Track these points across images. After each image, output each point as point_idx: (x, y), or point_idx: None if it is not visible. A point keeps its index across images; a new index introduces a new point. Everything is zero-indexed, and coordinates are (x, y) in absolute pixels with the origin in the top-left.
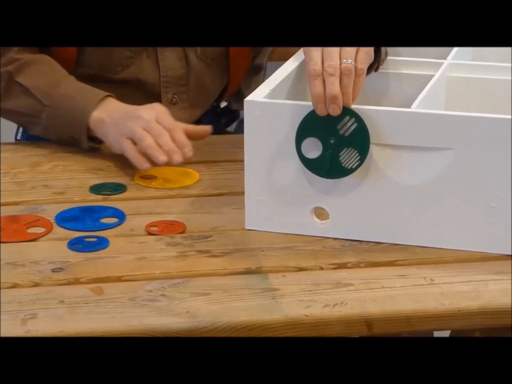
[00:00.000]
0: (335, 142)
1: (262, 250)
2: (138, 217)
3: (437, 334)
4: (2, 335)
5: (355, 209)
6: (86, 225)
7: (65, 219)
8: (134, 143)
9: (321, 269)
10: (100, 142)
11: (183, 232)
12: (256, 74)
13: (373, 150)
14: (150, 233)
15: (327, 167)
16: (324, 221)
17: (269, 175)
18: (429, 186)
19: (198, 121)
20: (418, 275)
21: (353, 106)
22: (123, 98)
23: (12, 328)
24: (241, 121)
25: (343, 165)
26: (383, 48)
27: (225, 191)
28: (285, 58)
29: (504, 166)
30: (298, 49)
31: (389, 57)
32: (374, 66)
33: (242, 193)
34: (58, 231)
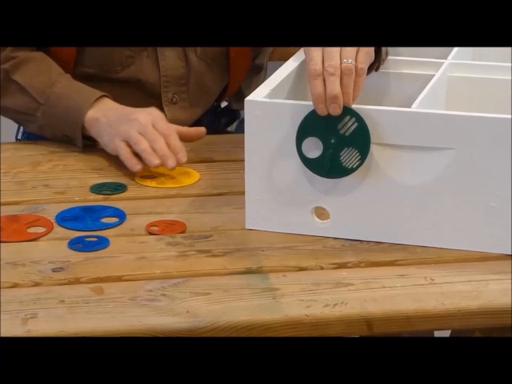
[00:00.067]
0: (336, 142)
1: (263, 250)
2: (139, 217)
3: (437, 333)
4: (2, 335)
5: (355, 209)
6: (87, 225)
7: (65, 219)
8: (128, 144)
9: (322, 268)
10: (94, 141)
11: (183, 231)
12: (256, 74)
13: (374, 149)
14: (151, 233)
15: (328, 166)
16: (324, 220)
17: (270, 174)
18: (429, 186)
19: (198, 121)
20: (418, 275)
21: (354, 106)
22: (123, 98)
23: (12, 328)
24: (242, 121)
25: (344, 164)
26: (383, 48)
27: (225, 190)
28: (285, 58)
29: (505, 166)
30: (299, 49)
31: (389, 57)
32: (374, 66)
33: (243, 193)
34: (59, 230)
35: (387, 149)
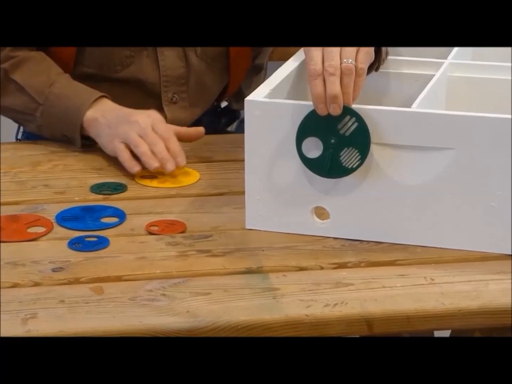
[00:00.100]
0: (336, 142)
1: (263, 250)
2: (139, 216)
3: (437, 333)
4: (2, 335)
5: (355, 209)
6: (87, 224)
7: (65, 219)
8: (127, 146)
9: (322, 268)
10: (93, 141)
11: (183, 231)
12: (256, 74)
13: (374, 149)
14: (151, 233)
15: (328, 166)
16: (324, 220)
17: (270, 174)
18: (429, 186)
19: (198, 121)
20: (418, 275)
21: (354, 106)
22: (123, 98)
23: (12, 328)
24: (242, 121)
25: (344, 164)
26: (383, 48)
27: (225, 190)
28: (285, 58)
29: (505, 166)
30: (299, 49)
31: (389, 57)
32: (374, 66)
33: (243, 192)
34: (59, 230)
35: (387, 149)
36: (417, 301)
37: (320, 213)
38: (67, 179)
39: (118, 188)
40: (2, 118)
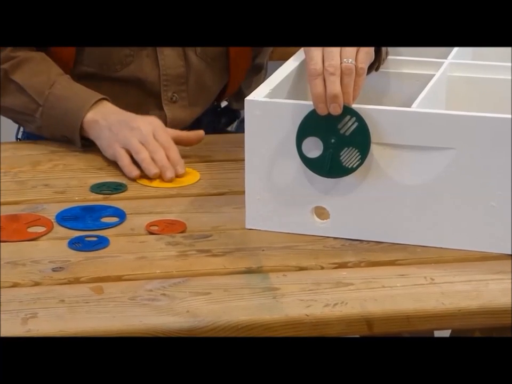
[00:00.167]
0: (336, 142)
1: (263, 250)
2: (139, 216)
3: (437, 333)
4: (2, 335)
5: (355, 208)
6: (87, 224)
7: (65, 218)
8: (127, 151)
9: (322, 268)
10: (93, 142)
11: (183, 231)
12: (256, 74)
13: (374, 149)
14: (151, 233)
15: (328, 166)
16: (324, 220)
17: (270, 174)
18: (429, 186)
19: (198, 121)
20: (418, 274)
21: (354, 106)
22: (123, 97)
23: (12, 328)
24: (242, 121)
25: (344, 164)
26: (383, 48)
27: (225, 190)
28: (285, 58)
29: (505, 166)
30: (299, 49)
31: (389, 57)
32: (374, 65)
33: (243, 192)
34: (59, 230)
35: (387, 149)
36: (417, 300)
37: (320, 212)
38: (67, 179)
39: (118, 188)
40: (2, 118)
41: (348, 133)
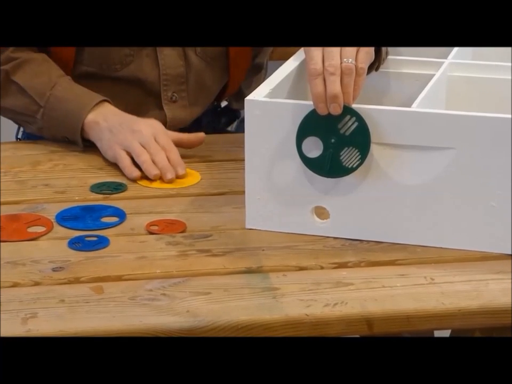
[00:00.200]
0: (336, 141)
1: (263, 250)
2: (139, 216)
3: (437, 333)
4: (2, 335)
5: (355, 208)
6: (87, 224)
7: (65, 218)
8: (128, 153)
9: (322, 268)
10: (93, 144)
11: (183, 231)
12: (256, 74)
13: (374, 149)
14: (151, 233)
15: (328, 166)
16: (324, 220)
17: (270, 174)
18: (429, 186)
19: (198, 121)
20: (418, 274)
21: (354, 106)
22: (123, 97)
23: (12, 328)
24: (242, 121)
25: (344, 164)
26: (383, 48)
27: (225, 190)
28: (285, 58)
29: (505, 166)
30: (299, 49)
31: (389, 57)
32: (374, 65)
33: (243, 192)
34: (59, 230)
35: (387, 149)
36: (417, 300)
37: (320, 212)
38: (67, 179)
39: (118, 188)
40: (3, 118)
41: (348, 133)
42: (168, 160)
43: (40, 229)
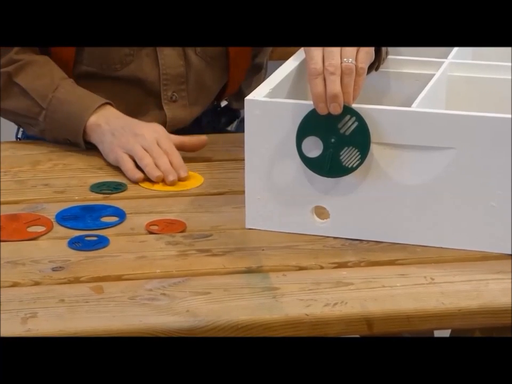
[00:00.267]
0: (336, 141)
1: (263, 250)
2: (139, 216)
3: (437, 333)
4: (2, 334)
5: (355, 208)
6: (87, 224)
7: (65, 218)
8: (130, 157)
9: (322, 268)
10: (95, 146)
11: (183, 231)
12: (256, 74)
13: (374, 149)
14: (151, 232)
15: (328, 166)
16: (324, 220)
17: (270, 174)
18: (429, 186)
19: (198, 120)
20: (418, 274)
21: (354, 105)
22: (123, 96)
23: (12, 327)
24: (242, 121)
25: (344, 164)
26: (383, 48)
27: (225, 190)
28: (285, 58)
29: (505, 166)
30: (299, 49)
31: (389, 57)
32: (374, 65)
33: (243, 192)
34: (59, 230)
35: (387, 149)
36: (417, 300)
37: (320, 212)
38: (67, 178)
39: (118, 187)
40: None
41: (348, 133)
42: (171, 164)
43: (40, 229)
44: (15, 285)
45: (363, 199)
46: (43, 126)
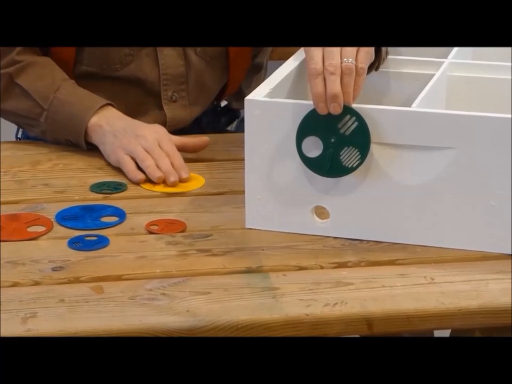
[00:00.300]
0: (336, 141)
1: (263, 249)
2: (139, 216)
3: (437, 333)
4: (2, 334)
5: (355, 208)
6: (86, 224)
7: (65, 218)
8: (132, 158)
9: (322, 268)
10: (96, 147)
11: (183, 231)
12: (256, 73)
13: (374, 149)
14: (150, 232)
15: (328, 166)
16: (324, 220)
17: (270, 174)
18: (429, 186)
19: (198, 120)
20: (418, 274)
21: (354, 105)
22: (123, 96)
23: (12, 327)
24: (242, 120)
25: (344, 164)
26: (383, 48)
27: (225, 190)
28: (285, 58)
29: (505, 165)
30: (299, 49)
31: (389, 56)
32: (374, 65)
33: (243, 192)
34: (59, 230)
35: (387, 149)
36: (417, 300)
37: (320, 212)
38: (67, 178)
39: (118, 187)
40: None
41: (348, 133)
42: (172, 165)
43: (40, 229)
44: (15, 285)
45: (363, 199)
46: (44, 127)
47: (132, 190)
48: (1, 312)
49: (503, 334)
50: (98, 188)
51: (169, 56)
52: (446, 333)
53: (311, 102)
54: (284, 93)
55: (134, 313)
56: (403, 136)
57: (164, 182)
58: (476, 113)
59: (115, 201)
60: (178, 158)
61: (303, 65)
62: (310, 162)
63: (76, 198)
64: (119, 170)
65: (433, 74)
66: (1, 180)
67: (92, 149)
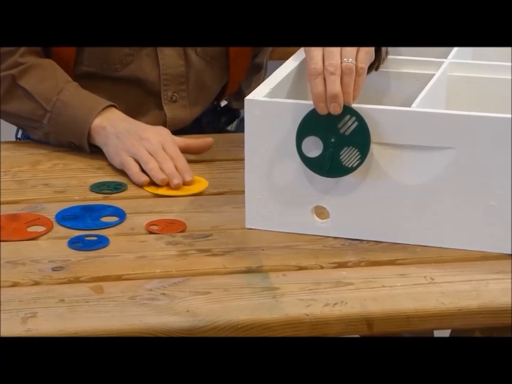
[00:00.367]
0: (336, 141)
1: (263, 249)
2: (139, 216)
3: (437, 333)
4: (2, 334)
5: (355, 208)
6: (86, 224)
7: (65, 218)
8: (135, 160)
9: (322, 268)
10: (99, 149)
11: (183, 231)
12: (256, 73)
13: (374, 149)
14: (150, 232)
15: (328, 166)
16: (324, 220)
17: (270, 174)
18: (429, 186)
19: (198, 120)
20: (418, 274)
21: (354, 105)
22: (123, 96)
23: (12, 327)
24: (242, 120)
25: (344, 164)
26: (383, 48)
27: (225, 190)
28: (285, 58)
29: (505, 165)
30: (299, 49)
31: (389, 56)
32: (374, 65)
33: (243, 192)
34: (59, 229)
35: (387, 149)
36: (417, 300)
37: (320, 212)
38: (67, 178)
39: (118, 187)
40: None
41: (347, 133)
42: (176, 168)
43: (40, 229)
44: (15, 284)
45: (363, 199)
46: (47, 129)
47: (131, 190)
48: (1, 312)
49: (503, 334)
50: (98, 188)
51: (170, 56)
52: (446, 333)
53: (311, 102)
54: (284, 93)
55: (134, 313)
56: (403, 136)
57: (168, 184)
58: (476, 113)
59: (115, 201)
60: (182, 160)
61: (303, 65)
62: (310, 162)
63: (76, 198)
64: (119, 170)
65: (433, 74)
66: (1, 179)
67: (94, 151)
